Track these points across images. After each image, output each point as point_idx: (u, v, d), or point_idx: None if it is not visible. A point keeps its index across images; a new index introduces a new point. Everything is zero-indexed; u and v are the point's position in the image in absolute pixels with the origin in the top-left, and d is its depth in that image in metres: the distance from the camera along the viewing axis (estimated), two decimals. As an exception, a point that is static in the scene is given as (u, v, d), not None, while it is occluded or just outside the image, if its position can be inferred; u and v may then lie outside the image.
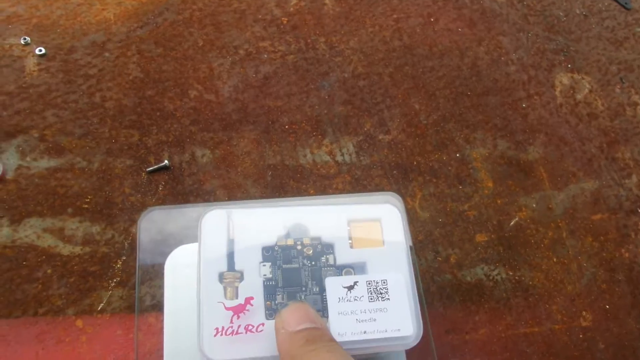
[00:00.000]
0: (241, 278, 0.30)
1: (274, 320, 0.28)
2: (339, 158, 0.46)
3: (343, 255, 0.32)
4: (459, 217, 0.45)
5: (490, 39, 0.55)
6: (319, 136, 0.47)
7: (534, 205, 0.47)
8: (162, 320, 0.36)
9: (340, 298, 0.30)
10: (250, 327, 0.29)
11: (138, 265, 0.36)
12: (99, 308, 0.38)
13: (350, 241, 0.33)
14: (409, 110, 0.49)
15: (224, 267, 0.31)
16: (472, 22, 0.55)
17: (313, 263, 0.32)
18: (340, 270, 0.32)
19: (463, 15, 0.56)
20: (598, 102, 0.54)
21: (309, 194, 0.44)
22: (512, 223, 0.46)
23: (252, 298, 0.30)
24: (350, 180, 0.45)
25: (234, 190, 0.43)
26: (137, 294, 0.36)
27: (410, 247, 0.33)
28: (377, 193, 0.40)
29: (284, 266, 0.31)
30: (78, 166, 0.42)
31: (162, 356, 0.35)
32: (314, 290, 0.31)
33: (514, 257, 0.44)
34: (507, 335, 0.41)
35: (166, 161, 0.43)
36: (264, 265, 0.31)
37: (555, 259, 0.45)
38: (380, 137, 0.48)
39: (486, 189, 0.47)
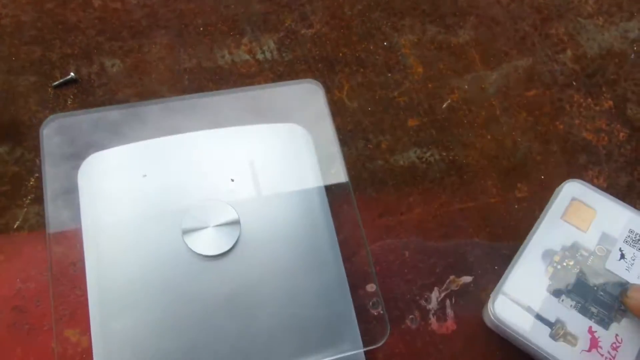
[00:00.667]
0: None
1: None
2: (259, 56, 0.44)
3: None
4: (389, 104, 0.44)
5: None
6: (237, 35, 0.44)
7: (466, 87, 0.46)
8: (81, 233, 0.35)
9: None
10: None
11: (44, 177, 0.34)
12: (15, 226, 0.37)
13: None
14: (331, 3, 0.47)
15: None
16: None
17: None
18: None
19: None
20: (530, -20, 0.52)
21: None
22: (444, 106, 0.45)
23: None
24: (273, 77, 0.43)
25: (149, 97, 0.41)
26: (46, 207, 0.34)
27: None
28: (295, 81, 0.38)
29: None
30: (-23, 87, 0.40)
31: (84, 268, 0.34)
32: None
33: (447, 138, 0.43)
34: (442, 212, 0.41)
35: (72, 74, 0.41)
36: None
37: (489, 137, 0.44)
38: (302, 31, 0.45)
39: (416, 74, 0.45)
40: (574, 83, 0.47)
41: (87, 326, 0.33)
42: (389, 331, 0.33)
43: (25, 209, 0.37)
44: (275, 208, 0.36)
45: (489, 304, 0.35)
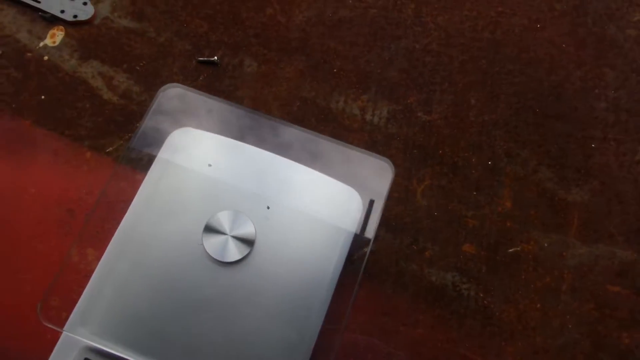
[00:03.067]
0: None
1: None
2: (367, 117, 0.46)
3: None
4: (456, 220, 0.43)
5: (593, 67, 0.49)
6: (360, 90, 0.47)
7: (546, 245, 0.42)
8: (142, 181, 0.40)
9: None
10: None
11: (141, 127, 0.40)
12: (107, 150, 0.44)
13: None
14: (462, 102, 0.47)
15: None
16: (583, 43, 0.50)
17: None
18: None
19: (576, 33, 0.50)
20: (688, 177, 0.46)
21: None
22: (510, 250, 0.42)
23: None
24: (367, 140, 0.45)
25: (260, 105, 0.46)
26: (129, 147, 0.40)
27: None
28: (373, 154, 0.40)
29: None
30: (148, 35, 0.48)
31: (127, 208, 0.39)
32: None
33: (494, 284, 0.41)
34: (444, 348, 0.39)
35: (216, 58, 0.47)
36: None
37: (539, 305, 0.40)
38: (419, 114, 0.46)
39: (501, 207, 0.43)
40: (672, 307, 0.41)
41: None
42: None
43: (122, 142, 0.44)
44: (291, 248, 0.38)
45: None
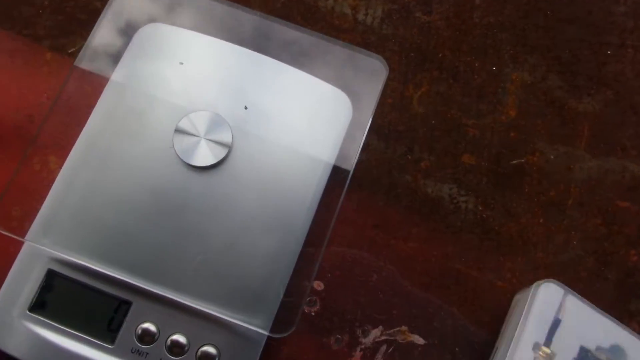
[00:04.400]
0: (552, 359, 0.32)
1: None
2: (360, 16, 0.41)
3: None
4: (456, 128, 0.39)
5: (612, -33, 0.44)
6: (352, -13, 0.42)
7: (552, 157, 0.39)
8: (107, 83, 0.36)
9: None
10: None
11: (100, 22, 0.36)
12: (70, 51, 0.39)
13: None
14: (465, 1, 0.42)
15: (541, 339, 0.32)
16: (602, -60, 0.45)
17: None
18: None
19: None
20: None
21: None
22: (514, 162, 0.39)
23: None
24: (359, 41, 0.40)
25: (239, 0, 0.41)
26: (87, 43, 0.36)
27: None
28: (364, 51, 0.36)
29: None
30: None
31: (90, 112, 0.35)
32: None
33: (494, 196, 0.38)
34: (438, 263, 0.36)
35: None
36: None
37: (541, 220, 0.37)
38: (417, 14, 0.41)
39: (505, 115, 0.40)
40: (685, 223, 0.38)
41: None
42: (293, 328, 0.30)
43: (84, 42, 0.39)
44: (271, 154, 0.34)
45: None
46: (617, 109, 0.40)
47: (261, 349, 0.32)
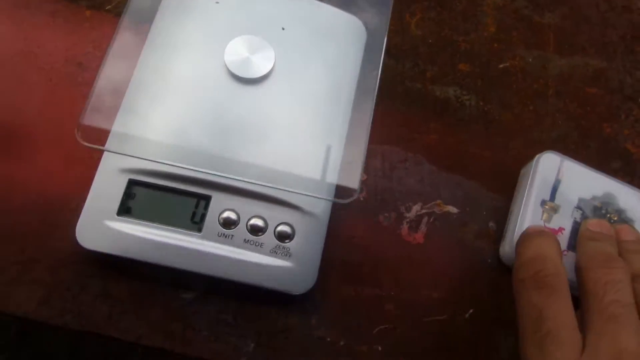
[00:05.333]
0: (557, 210, 0.39)
1: (574, 253, 0.38)
2: (356, -36, 0.49)
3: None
4: (450, 44, 0.46)
5: None
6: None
7: (530, 60, 0.47)
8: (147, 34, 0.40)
9: None
10: None
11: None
12: (107, 8, 0.44)
13: None
14: (438, -52, 0.50)
15: (547, 196, 0.39)
16: None
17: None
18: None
19: None
20: (639, 1, 0.52)
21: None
22: (501, 65, 0.46)
23: (562, 229, 0.38)
24: (359, -17, 0.48)
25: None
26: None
27: None
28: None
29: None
30: None
31: (140, 53, 0.40)
32: None
33: (490, 93, 0.45)
34: (456, 148, 0.43)
35: None
36: (577, 211, 0.39)
37: (531, 108, 0.45)
38: (402, -40, 0.49)
39: (487, 32, 0.48)
40: (640, 100, 0.47)
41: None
42: (356, 194, 0.35)
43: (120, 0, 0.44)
44: (309, 68, 0.40)
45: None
46: (572, 21, 0.49)
47: (327, 223, 0.37)
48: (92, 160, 0.37)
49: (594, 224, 0.37)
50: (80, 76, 0.41)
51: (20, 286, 0.35)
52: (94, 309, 0.35)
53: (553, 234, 0.36)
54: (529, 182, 0.39)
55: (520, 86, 0.46)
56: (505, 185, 0.42)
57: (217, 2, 0.42)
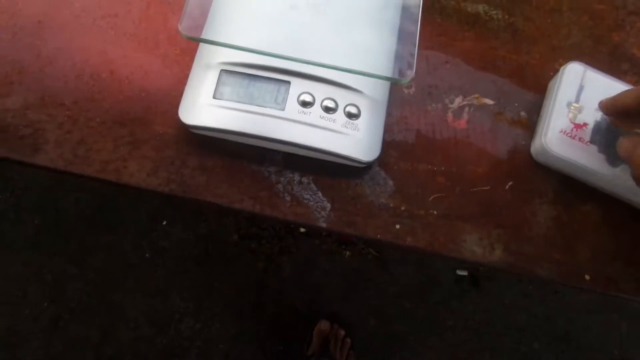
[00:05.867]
0: (581, 111, 0.45)
1: (595, 146, 0.44)
2: None
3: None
4: (476, -31, 0.53)
5: None
6: None
7: (545, -18, 0.54)
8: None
9: None
10: (582, 139, 0.44)
11: None
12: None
13: None
14: None
15: (572, 99, 0.45)
16: None
17: None
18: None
19: None
20: None
21: None
22: (521, -13, 0.53)
23: (586, 124, 0.44)
24: None
25: None
26: None
27: None
28: None
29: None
30: None
31: None
32: None
33: (514, 10, 0.52)
34: (489, 53, 0.49)
35: None
36: (598, 112, 0.44)
37: (549, 21, 0.52)
38: None
39: (507, -41, 0.54)
40: (642, 14, 0.54)
41: None
42: (413, 72, 0.41)
43: None
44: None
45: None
46: (579, -49, 0.57)
47: (386, 105, 0.43)
48: (184, 62, 0.43)
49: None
50: (164, -4, 0.47)
51: (132, 161, 0.41)
52: (194, 179, 0.41)
53: None
54: (556, 87, 0.46)
55: (539, 3, 0.53)
56: (532, 81, 0.49)
57: None
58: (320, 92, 0.42)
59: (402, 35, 0.44)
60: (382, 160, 0.42)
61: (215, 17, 0.43)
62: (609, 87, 0.46)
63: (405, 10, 0.46)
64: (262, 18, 0.43)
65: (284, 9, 0.44)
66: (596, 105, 0.45)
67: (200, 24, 0.42)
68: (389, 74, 0.43)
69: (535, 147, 0.45)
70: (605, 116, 0.45)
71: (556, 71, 0.48)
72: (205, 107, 0.41)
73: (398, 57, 0.43)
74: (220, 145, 0.42)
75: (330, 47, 0.43)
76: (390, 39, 0.44)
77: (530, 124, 0.47)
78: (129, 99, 0.42)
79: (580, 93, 0.46)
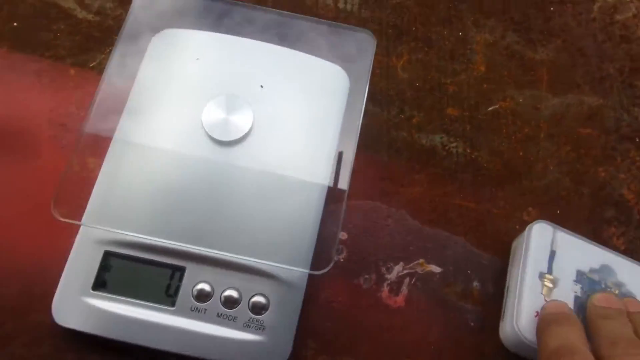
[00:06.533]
0: (556, 284, 0.37)
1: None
2: (341, 5, 0.47)
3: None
4: (437, 87, 0.45)
5: (544, -61, 0.52)
6: (329, -19, 0.48)
7: (521, 100, 0.45)
8: (129, 93, 0.40)
9: None
10: None
11: (120, 37, 0.40)
12: (91, 65, 0.44)
13: None
14: (427, -18, 0.49)
15: (544, 269, 0.37)
16: None
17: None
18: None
19: None
20: (639, 28, 0.49)
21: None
22: (490, 108, 0.45)
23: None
24: (343, 26, 0.47)
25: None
26: (111, 58, 0.40)
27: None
28: (353, 27, 0.41)
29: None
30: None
31: (121, 112, 0.40)
32: None
33: (479, 139, 0.44)
34: (441, 201, 0.42)
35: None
36: (576, 285, 0.37)
37: (521, 153, 0.44)
38: (388, -3, 0.48)
39: (476, 71, 0.46)
40: (638, 140, 0.45)
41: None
42: (332, 263, 0.35)
43: (104, 56, 0.44)
44: (288, 126, 0.39)
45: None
46: (567, 54, 0.47)
47: (304, 291, 0.37)
48: (71, 230, 0.38)
49: (601, 299, 0.35)
50: (64, 138, 0.42)
51: None
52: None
53: (574, 316, 0.34)
54: (522, 253, 0.38)
55: (510, 130, 0.44)
56: (492, 239, 0.41)
57: (197, 59, 0.41)
58: (221, 279, 0.36)
59: (325, 217, 0.38)
60: (296, 353, 0.36)
61: (101, 189, 0.37)
62: (585, 252, 0.38)
63: (333, 180, 0.39)
64: (157, 191, 0.37)
65: (183, 179, 0.37)
66: (573, 276, 0.37)
67: (80, 204, 0.36)
68: (302, 263, 0.36)
69: (505, 332, 0.37)
70: (586, 289, 0.37)
71: (523, 224, 0.40)
72: (82, 304, 0.35)
73: (318, 241, 0.37)
74: (103, 342, 0.36)
75: (234, 226, 0.36)
76: (310, 215, 0.37)
77: (485, 297, 0.39)
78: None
79: (552, 260, 0.38)
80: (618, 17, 0.50)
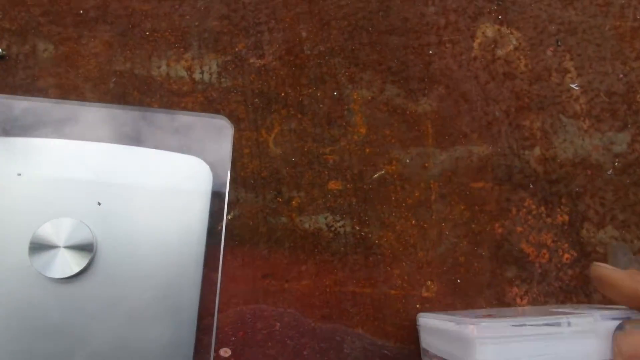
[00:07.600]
0: None
1: None
2: (197, 76, 0.42)
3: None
4: (315, 159, 0.41)
5: (414, -26, 0.48)
6: (181, 49, 0.42)
7: (408, 161, 0.42)
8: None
9: None
10: None
11: None
12: None
13: None
14: (293, 37, 0.44)
15: None
16: (400, -48, 0.49)
17: None
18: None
19: (390, -58, 0.49)
20: (521, 62, 0.47)
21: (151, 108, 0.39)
22: (375, 176, 0.41)
23: None
24: (202, 101, 0.41)
25: (69, 92, 0.40)
26: None
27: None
28: (206, 114, 0.36)
29: None
30: None
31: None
32: None
33: (367, 213, 0.40)
34: (333, 290, 0.38)
35: (1, 49, 0.40)
36: None
37: (414, 221, 0.40)
38: (251, 60, 0.43)
39: (357, 135, 0.42)
40: (531, 186, 0.43)
41: None
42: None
43: None
44: (141, 243, 0.34)
45: None
46: (451, 101, 0.44)
47: None
48: None
49: None
50: None
51: None
52: None
53: None
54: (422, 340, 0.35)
55: (399, 197, 0.41)
56: (394, 325, 0.37)
57: (19, 175, 0.34)
58: None
59: (201, 335, 0.32)
60: None
61: None
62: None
63: (204, 292, 0.33)
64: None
65: (10, 323, 0.30)
66: None
67: None
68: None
69: None
70: None
71: (423, 302, 0.37)
72: None
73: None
74: None
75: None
76: (178, 352, 0.32)
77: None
78: None
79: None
80: (499, 52, 0.47)
